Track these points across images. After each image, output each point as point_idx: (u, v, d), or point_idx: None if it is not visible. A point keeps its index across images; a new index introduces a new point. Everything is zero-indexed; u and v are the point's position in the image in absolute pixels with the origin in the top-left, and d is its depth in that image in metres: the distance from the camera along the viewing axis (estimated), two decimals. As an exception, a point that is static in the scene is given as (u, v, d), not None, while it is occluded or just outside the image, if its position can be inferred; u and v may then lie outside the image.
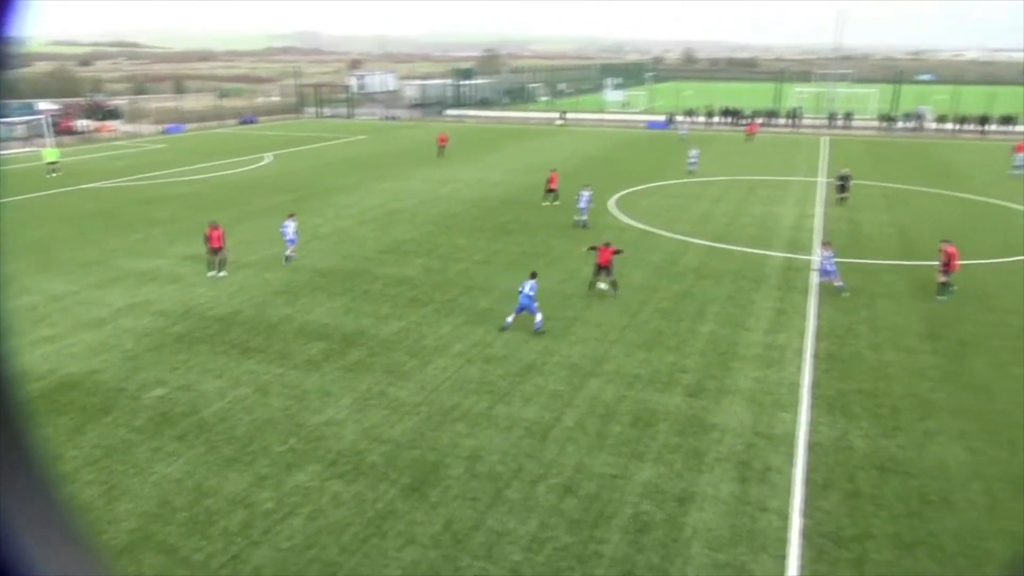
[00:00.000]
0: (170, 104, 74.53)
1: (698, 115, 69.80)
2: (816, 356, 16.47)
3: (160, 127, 63.50)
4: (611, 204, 32.64)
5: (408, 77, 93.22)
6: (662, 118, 68.20)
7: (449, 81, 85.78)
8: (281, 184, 38.44)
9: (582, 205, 28.19)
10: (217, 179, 40.36)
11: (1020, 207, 32.27)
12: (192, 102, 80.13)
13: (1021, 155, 41.10)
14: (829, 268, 20.48)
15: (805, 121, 66.79)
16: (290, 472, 11.80)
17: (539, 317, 17.54)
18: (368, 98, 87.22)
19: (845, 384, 15.09)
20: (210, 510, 10.79)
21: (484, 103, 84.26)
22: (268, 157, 48.50)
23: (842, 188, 32.57)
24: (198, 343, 17.20)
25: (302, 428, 13.24)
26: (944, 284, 20.32)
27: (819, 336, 17.61)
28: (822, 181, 38.70)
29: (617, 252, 20.02)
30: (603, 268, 20.06)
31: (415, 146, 54.21)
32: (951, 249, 20.28)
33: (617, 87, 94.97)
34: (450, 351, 16.68)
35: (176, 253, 24.83)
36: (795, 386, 14.96)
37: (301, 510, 10.79)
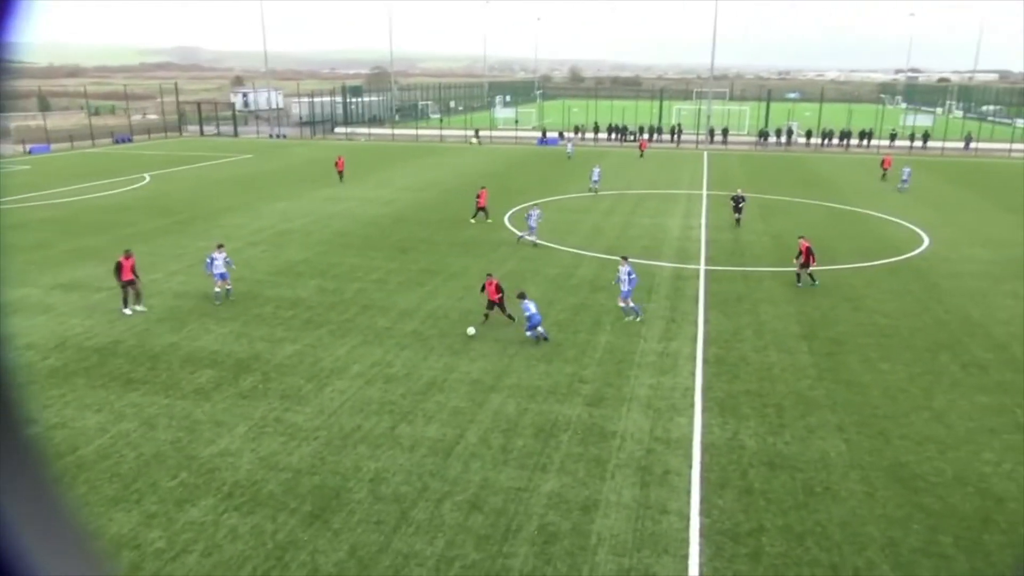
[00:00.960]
0: (34, 123, 69.54)
1: (586, 131, 71.87)
2: (706, 361, 17.19)
3: (23, 147, 59.11)
4: (506, 219, 32.98)
5: (295, 94, 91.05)
6: (554, 134, 69.78)
7: (338, 99, 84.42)
8: (163, 205, 36.59)
9: (532, 224, 27.76)
10: (91, 201, 37.96)
11: (883, 215, 34.99)
12: (59, 120, 75.16)
13: (908, 170, 42.52)
14: (627, 288, 19.67)
15: (685, 137, 70.02)
16: (182, 508, 11.18)
17: (540, 330, 18.00)
18: (254, 116, 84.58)
19: (734, 386, 15.82)
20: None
21: (374, 121, 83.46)
22: (147, 177, 46.08)
23: (736, 208, 31.75)
24: (74, 376, 16.05)
25: (193, 461, 12.58)
26: (800, 275, 23.01)
27: (708, 341, 18.41)
28: (705, 194, 40.62)
29: (500, 293, 19.00)
30: (496, 305, 19.07)
31: (304, 165, 52.98)
32: (804, 244, 22.91)
33: (507, 104, 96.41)
34: (348, 372, 16.33)
35: (46, 282, 23.11)
36: (689, 391, 15.56)
37: (195, 547, 10.23)
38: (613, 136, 70.91)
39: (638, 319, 19.63)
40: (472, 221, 32.29)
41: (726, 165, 53.74)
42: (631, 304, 19.80)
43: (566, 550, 10.31)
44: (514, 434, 13.59)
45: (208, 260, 20.85)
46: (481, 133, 70.31)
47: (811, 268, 22.79)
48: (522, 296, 18.30)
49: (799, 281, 23.00)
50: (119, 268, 19.86)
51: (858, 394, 15.54)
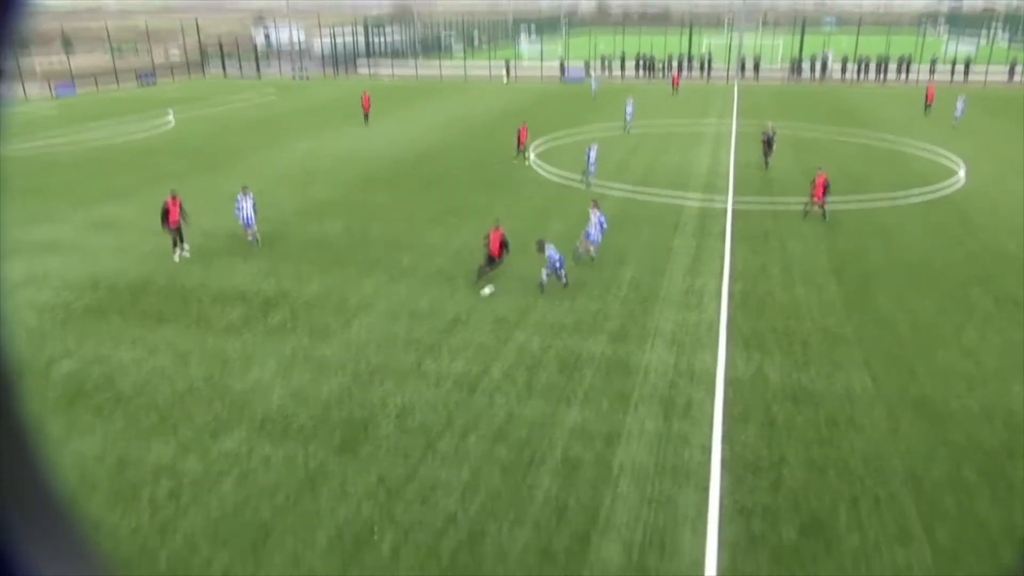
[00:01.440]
0: (58, 63, 69.66)
1: (612, 65, 70.02)
2: (732, 296, 17.10)
3: (49, 88, 59.36)
4: (531, 156, 32.62)
5: (316, 29, 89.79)
6: (579, 68, 68.15)
7: (361, 34, 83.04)
8: (189, 146, 36.75)
9: (591, 163, 26.70)
10: (118, 142, 38.23)
11: (920, 149, 33.97)
12: (83, 61, 75.16)
13: (962, 102, 39.83)
14: (594, 234, 18.52)
15: (715, 70, 68.02)
16: (216, 438, 11.57)
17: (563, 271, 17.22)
18: (275, 53, 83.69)
19: (759, 322, 15.75)
20: (134, 482, 10.50)
21: (397, 55, 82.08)
22: (172, 118, 46.18)
23: (768, 147, 29.66)
24: (109, 314, 16.48)
25: (226, 394, 12.95)
26: (808, 209, 22.86)
27: (735, 277, 18.27)
28: (735, 128, 39.69)
29: (505, 244, 17.43)
30: (493, 259, 17.47)
31: (328, 104, 52.60)
32: (823, 177, 22.30)
33: (532, 38, 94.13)
34: (375, 309, 16.53)
35: (78, 221, 23.53)
36: (713, 326, 15.53)
37: (230, 475, 10.62)
38: (641, 71, 69.07)
39: (588, 259, 18.72)
40: (515, 162, 31.51)
41: (757, 99, 52.29)
42: (591, 250, 18.75)
43: (588, 480, 10.52)
44: (538, 369, 13.75)
45: (237, 206, 20.37)
46: (510, 68, 68.82)
47: (825, 203, 22.31)
48: (542, 246, 17.05)
49: (806, 215, 22.82)
50: (166, 213, 19.17)
51: (886, 329, 15.40)
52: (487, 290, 17.34)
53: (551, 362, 14.00)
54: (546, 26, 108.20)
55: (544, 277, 17.16)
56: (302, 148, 35.64)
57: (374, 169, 30.89)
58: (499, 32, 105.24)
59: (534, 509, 9.88)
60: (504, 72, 67.28)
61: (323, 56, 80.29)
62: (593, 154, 26.89)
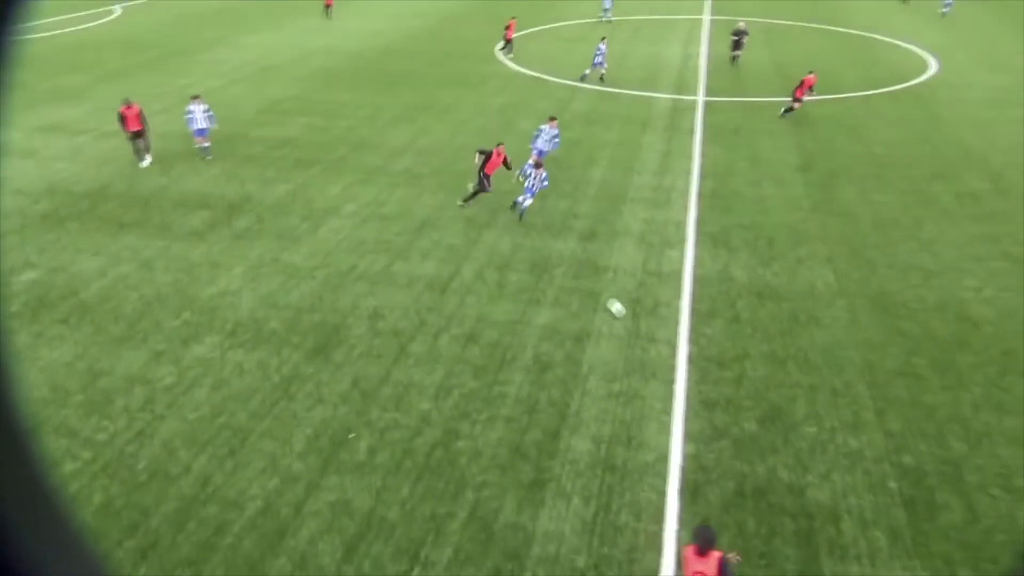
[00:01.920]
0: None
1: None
2: (701, 195, 17.14)
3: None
4: (498, 51, 31.57)
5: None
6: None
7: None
8: (137, 40, 34.82)
9: (599, 59, 26.24)
10: (61, 38, 36.08)
11: (893, 40, 33.47)
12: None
13: None
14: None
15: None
16: (187, 345, 11.58)
17: (528, 202, 15.64)
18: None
19: (727, 219, 15.88)
20: (107, 390, 10.55)
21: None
22: (117, 10, 43.50)
23: (736, 45, 28.82)
24: (67, 221, 16.04)
25: (194, 301, 12.87)
26: (792, 107, 22.22)
27: (704, 175, 18.26)
28: (707, 19, 38.61)
29: (507, 163, 16.31)
30: (487, 180, 16.19)
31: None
32: (811, 79, 22.03)
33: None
34: (342, 212, 16.32)
35: (27, 124, 22.46)
36: (682, 225, 15.64)
37: (204, 381, 10.72)
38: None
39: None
40: (500, 53, 30.49)
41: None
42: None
43: (559, 377, 10.81)
44: (508, 269, 13.82)
45: (188, 116, 18.96)
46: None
47: (802, 102, 22.04)
48: (539, 165, 15.65)
49: (785, 114, 22.44)
50: (122, 119, 18.27)
51: (849, 225, 15.65)
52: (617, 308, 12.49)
53: (521, 262, 14.07)
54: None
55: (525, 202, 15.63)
56: (259, 42, 34.00)
57: (335, 65, 29.71)
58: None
59: (506, 408, 10.17)
60: None
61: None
62: (604, 48, 26.45)
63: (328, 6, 40.07)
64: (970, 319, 12.24)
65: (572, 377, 10.83)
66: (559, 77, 27.19)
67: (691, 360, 11.24)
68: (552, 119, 18.42)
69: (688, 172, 18.44)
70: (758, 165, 18.89)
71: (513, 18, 31.17)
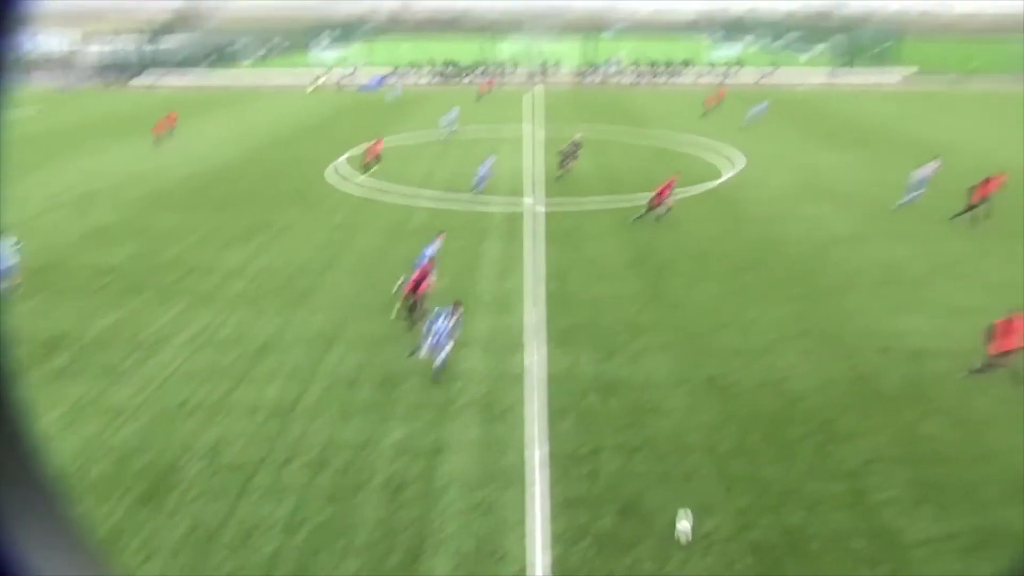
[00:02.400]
0: None
1: (410, 73, 70.18)
2: (543, 296, 17.79)
3: None
4: (328, 173, 31.85)
5: (86, 36, 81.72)
6: (374, 77, 67.46)
7: (137, 42, 76.62)
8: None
9: (482, 173, 27.05)
10: None
11: (700, 144, 37.24)
12: None
13: (762, 106, 43.81)
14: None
15: (517, 75, 70.43)
16: (-10, 508, 10.18)
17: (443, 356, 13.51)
18: (37, 63, 75.11)
19: (570, 318, 16.52)
20: None
21: (185, 64, 76.74)
22: (-90, 139, 39.93)
23: (569, 155, 29.38)
24: None
25: (0, 455, 11.42)
26: (654, 210, 23.22)
27: (544, 277, 19.02)
28: (538, 130, 41.29)
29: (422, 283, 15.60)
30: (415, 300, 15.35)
31: (107, 118, 48.12)
32: (672, 180, 23.57)
33: (332, 44, 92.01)
34: (174, 341, 15.37)
35: None
36: (527, 327, 16.07)
37: (11, 548, 9.39)
38: (444, 77, 69.87)
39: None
40: (360, 172, 30.45)
41: (556, 102, 54.78)
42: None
43: (416, 494, 10.49)
44: (357, 387, 13.48)
45: None
46: (306, 77, 66.66)
47: (662, 204, 23.11)
48: (457, 305, 13.97)
49: (645, 215, 23.20)
50: None
51: (680, 314, 16.77)
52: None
53: (370, 379, 13.78)
54: (345, 32, 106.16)
55: (427, 350, 13.47)
56: (80, 167, 32.26)
57: (165, 188, 28.69)
58: (296, 39, 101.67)
59: (363, 535, 9.67)
60: (315, 80, 65.34)
61: (97, 66, 73.27)
62: (486, 168, 27.21)
63: (161, 134, 37.83)
64: (792, 394, 13.29)
65: (429, 493, 10.54)
66: (395, 193, 27.78)
67: (547, 459, 11.32)
68: (440, 234, 18.35)
69: (530, 275, 19.15)
70: (593, 264, 19.98)
71: (379, 138, 31.64)
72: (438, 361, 13.39)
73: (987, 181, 22.45)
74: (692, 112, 48.35)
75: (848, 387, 13.59)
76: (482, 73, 69.07)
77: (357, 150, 35.41)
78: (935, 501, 10.47)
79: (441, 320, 13.43)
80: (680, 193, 26.95)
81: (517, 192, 27.88)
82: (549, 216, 24.68)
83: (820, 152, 35.55)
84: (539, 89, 63.31)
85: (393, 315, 15.92)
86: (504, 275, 19.21)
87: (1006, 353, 13.25)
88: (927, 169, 24.91)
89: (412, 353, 13.82)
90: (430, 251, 17.04)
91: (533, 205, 25.92)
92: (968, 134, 40.48)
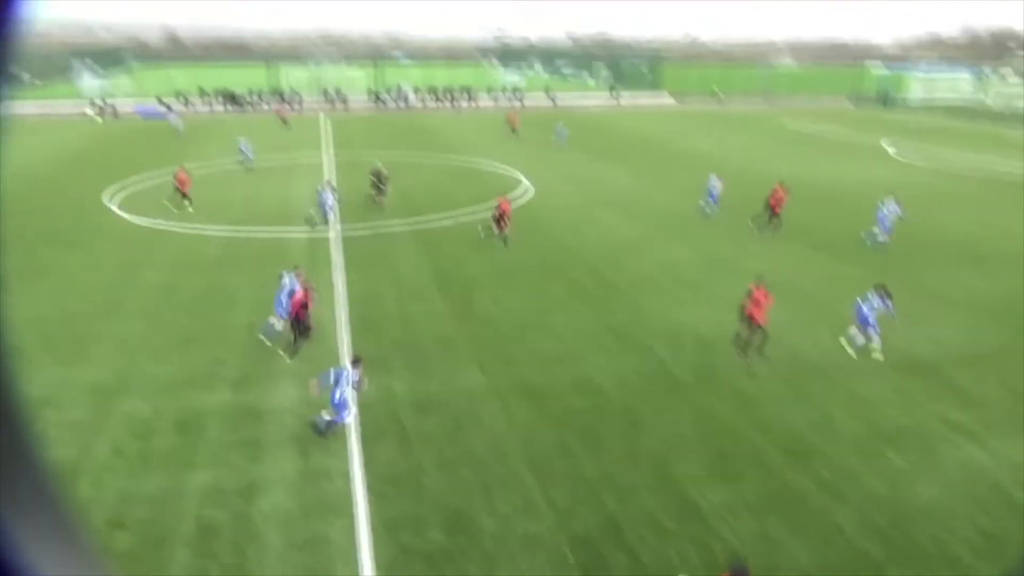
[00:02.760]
0: None
1: (192, 101, 66.20)
2: (351, 322, 17.41)
3: None
4: (109, 203, 29.14)
5: None
6: (152, 107, 62.85)
7: None
8: None
9: (328, 206, 25.37)
10: None
11: (493, 166, 38.50)
12: None
13: (561, 126, 46.14)
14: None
15: (305, 103, 68.71)
16: None
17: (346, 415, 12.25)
18: None
19: (381, 341, 16.31)
20: None
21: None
22: None
23: (378, 187, 28.85)
24: None
25: None
26: (495, 233, 23.19)
27: (351, 303, 18.63)
28: (331, 158, 40.50)
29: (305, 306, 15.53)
30: (300, 324, 15.42)
31: None
32: (505, 205, 23.82)
33: (96, 73, 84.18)
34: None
35: None
36: (337, 354, 15.63)
37: None
38: (227, 105, 66.49)
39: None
40: (179, 211, 27.47)
41: (348, 128, 54.13)
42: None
43: (230, 540, 9.78)
44: (152, 436, 12.34)
45: None
46: (73, 107, 60.35)
47: (504, 231, 23.28)
48: (357, 362, 12.75)
49: (489, 236, 23.55)
50: None
51: (489, 328, 17.17)
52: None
53: (166, 425, 12.68)
54: (108, 60, 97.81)
55: (326, 418, 12.16)
56: None
57: None
58: (54, 68, 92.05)
59: (170, 592, 8.84)
60: (95, 108, 59.33)
61: None
62: (329, 199, 25.67)
63: None
64: (601, 392, 14.08)
65: (245, 537, 9.87)
66: (183, 224, 25.95)
67: (369, 486, 11.05)
68: (297, 270, 16.87)
69: (335, 302, 18.67)
70: (400, 286, 19.90)
71: (183, 169, 28.90)
72: (340, 419, 12.15)
73: (775, 192, 25.26)
74: (487, 134, 49.98)
75: (648, 378, 14.66)
76: (269, 101, 66.65)
77: (143, 181, 32.69)
78: (728, 472, 11.56)
79: (343, 380, 12.11)
80: (478, 212, 27.69)
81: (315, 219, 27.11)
82: (351, 241, 24.27)
83: (606, 166, 38.23)
84: (331, 117, 62.27)
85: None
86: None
87: (757, 325, 15.20)
88: (717, 183, 27.52)
89: (326, 426, 12.16)
90: (288, 281, 16.09)
91: (335, 231, 25.36)
92: (726, 147, 45.56)
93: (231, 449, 11.96)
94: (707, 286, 20.14)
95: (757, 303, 15.15)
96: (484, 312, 18.11)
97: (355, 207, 28.78)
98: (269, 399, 13.62)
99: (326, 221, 25.72)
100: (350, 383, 12.17)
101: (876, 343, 15.60)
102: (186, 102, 65.57)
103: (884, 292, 15.70)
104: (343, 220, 26.82)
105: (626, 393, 14.05)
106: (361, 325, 17.22)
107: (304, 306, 15.62)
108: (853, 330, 15.81)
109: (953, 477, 11.56)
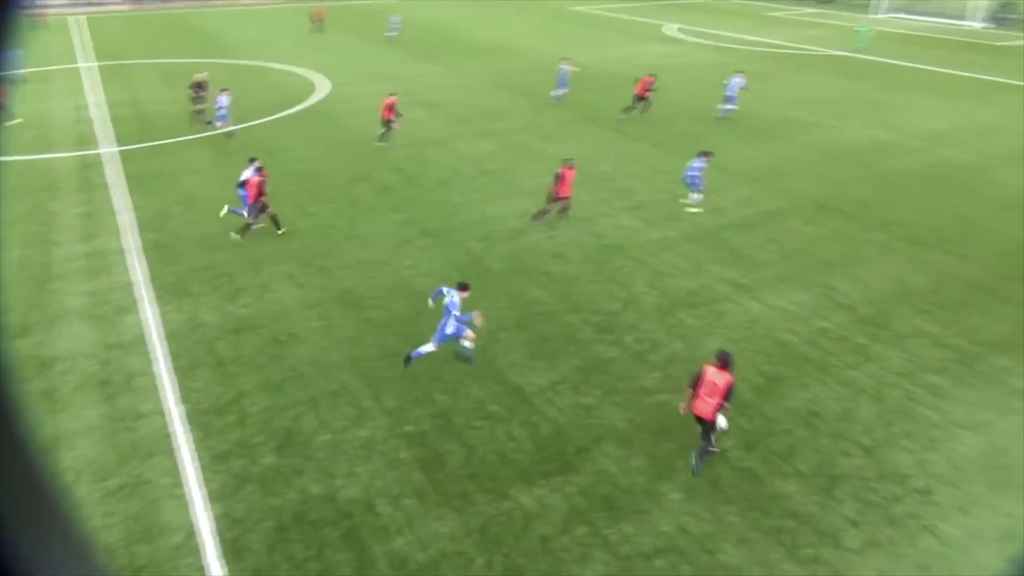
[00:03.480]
0: None
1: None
2: (144, 249, 16.03)
3: None
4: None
5: None
6: None
7: None
8: None
9: (223, 112, 23.34)
10: None
11: (282, 66, 35.84)
12: None
13: (397, 18, 43.52)
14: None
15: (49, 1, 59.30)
16: None
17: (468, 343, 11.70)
18: None
19: (180, 267, 15.21)
20: None
21: None
22: None
23: (197, 98, 25.05)
24: None
25: None
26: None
27: (140, 228, 17.08)
28: (95, 66, 35.72)
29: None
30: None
31: None
32: (391, 101, 22.55)
33: None
34: None
35: None
36: (131, 285, 14.42)
37: None
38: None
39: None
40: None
41: (109, 29, 47.69)
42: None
43: (36, 502, 9.03)
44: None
45: None
46: None
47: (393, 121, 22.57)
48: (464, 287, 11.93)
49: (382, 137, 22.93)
50: None
51: (297, 240, 16.52)
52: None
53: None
54: None
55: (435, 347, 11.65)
56: None
57: None
58: None
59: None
60: None
61: None
62: (225, 103, 23.21)
63: None
64: (418, 291, 14.17)
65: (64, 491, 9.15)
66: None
67: (188, 419, 10.57)
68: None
69: (120, 228, 17.01)
70: (193, 205, 18.45)
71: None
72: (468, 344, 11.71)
73: (642, 81, 25.84)
74: (259, 30, 46.19)
75: (465, 272, 14.93)
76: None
77: None
78: (546, 352, 12.28)
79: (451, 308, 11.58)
80: (277, 115, 26.08)
81: (85, 139, 24.15)
82: (127, 159, 21.94)
83: (406, 63, 36.89)
84: (82, 17, 54.39)
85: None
86: (91, 234, 16.77)
87: (560, 199, 16.95)
88: (566, 69, 27.68)
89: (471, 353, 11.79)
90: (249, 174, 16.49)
91: (108, 150, 22.75)
92: (523, 37, 45.53)
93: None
94: (511, 177, 20.54)
95: (563, 180, 16.61)
96: (290, 223, 17.32)
97: (126, 122, 25.91)
98: (57, 345, 12.39)
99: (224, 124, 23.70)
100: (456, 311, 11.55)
101: (696, 199, 18.06)
102: None
103: (704, 154, 17.97)
104: (118, 139, 24.09)
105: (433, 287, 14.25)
106: (155, 251, 15.90)
107: (260, 189, 16.25)
108: (693, 196, 18.05)
109: (736, 329, 13.09)
